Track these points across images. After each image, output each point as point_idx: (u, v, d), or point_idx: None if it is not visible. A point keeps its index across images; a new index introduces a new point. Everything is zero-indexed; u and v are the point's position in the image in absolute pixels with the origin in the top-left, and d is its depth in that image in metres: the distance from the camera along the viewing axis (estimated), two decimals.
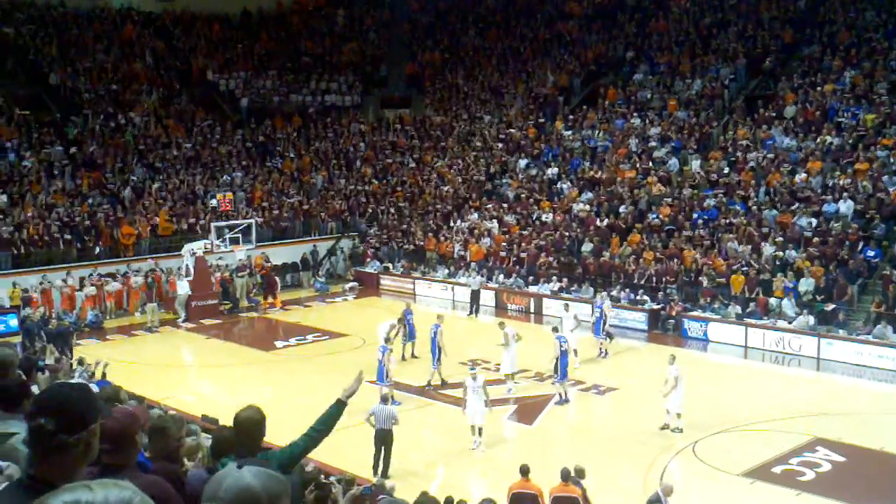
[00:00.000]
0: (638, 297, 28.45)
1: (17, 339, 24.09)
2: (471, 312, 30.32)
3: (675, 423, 18.27)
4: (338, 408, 5.76)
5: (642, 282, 29.02)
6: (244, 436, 5.09)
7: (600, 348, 24.75)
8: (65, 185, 33.83)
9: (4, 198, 31.94)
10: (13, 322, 27.38)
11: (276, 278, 33.18)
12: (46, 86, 38.77)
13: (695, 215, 30.45)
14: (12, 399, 4.29)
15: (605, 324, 24.84)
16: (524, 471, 13.31)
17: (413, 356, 24.49)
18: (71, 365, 19.49)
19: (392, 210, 38.90)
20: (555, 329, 21.38)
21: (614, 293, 28.29)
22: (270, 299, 32.36)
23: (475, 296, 30.75)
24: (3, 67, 38.66)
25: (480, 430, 17.32)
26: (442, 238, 35.76)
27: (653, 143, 34.96)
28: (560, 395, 20.57)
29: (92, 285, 30.39)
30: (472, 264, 33.05)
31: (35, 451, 2.79)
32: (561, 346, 20.40)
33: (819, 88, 33.05)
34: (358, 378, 5.88)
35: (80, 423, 2.74)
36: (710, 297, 27.05)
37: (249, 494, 2.09)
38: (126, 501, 1.45)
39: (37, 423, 2.73)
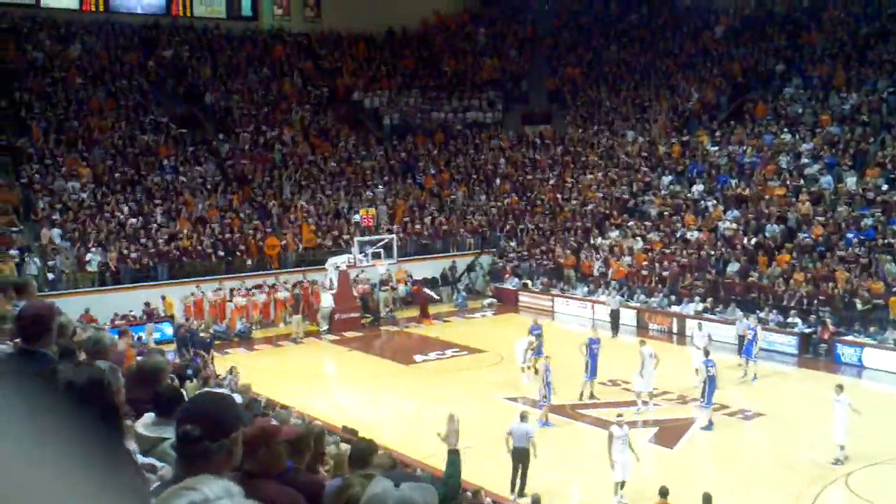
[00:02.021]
0: (788, 320, 27.31)
1: (171, 348, 25.10)
2: (613, 334, 29.40)
3: (837, 454, 17.38)
4: (453, 461, 5.68)
5: (792, 303, 27.85)
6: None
7: (747, 371, 23.87)
8: (217, 201, 35.26)
9: (162, 211, 33.54)
10: (168, 331, 28.68)
11: (427, 295, 33.67)
12: (202, 105, 40.63)
13: (849, 235, 29.02)
14: (166, 405, 4.46)
15: (757, 346, 23.99)
16: (663, 492, 12.92)
17: (535, 370, 24.38)
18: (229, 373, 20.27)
19: (532, 227, 38.77)
20: (706, 352, 20.72)
21: (762, 315, 27.27)
22: (422, 317, 32.80)
23: (615, 315, 30.19)
24: (163, 88, 40.76)
25: (624, 483, 15.73)
26: (582, 256, 35.36)
27: (804, 160, 33.56)
28: (709, 421, 19.92)
29: (241, 297, 31.54)
30: (613, 283, 32.55)
31: (181, 455, 2.86)
32: (708, 370, 19.79)
33: None
34: (451, 423, 5.78)
35: (222, 431, 2.80)
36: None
37: None
38: (226, 491, 1.53)
39: (183, 429, 2.80)
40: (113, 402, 2.69)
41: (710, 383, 19.74)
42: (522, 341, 24.37)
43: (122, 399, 3.94)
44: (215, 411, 2.91)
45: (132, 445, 4.22)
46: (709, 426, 19.79)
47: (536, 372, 23.10)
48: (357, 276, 33.10)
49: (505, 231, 39.09)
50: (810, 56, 39.20)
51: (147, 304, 29.35)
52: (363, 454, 5.88)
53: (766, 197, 32.66)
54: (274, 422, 5.27)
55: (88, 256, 30.18)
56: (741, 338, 25.27)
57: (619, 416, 16.89)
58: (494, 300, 35.60)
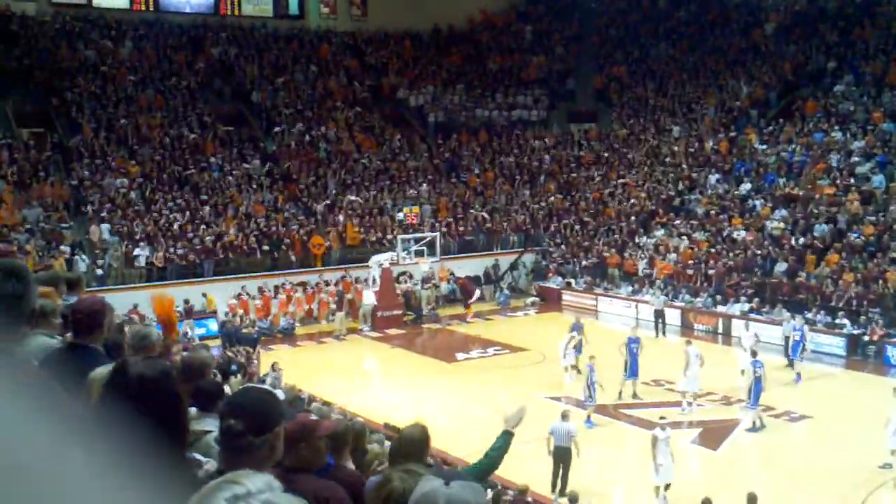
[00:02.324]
0: (836, 321, 26.89)
1: (215, 343, 25.40)
2: (657, 333, 29.10)
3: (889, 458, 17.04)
4: (506, 438, 5.69)
5: (841, 304, 27.42)
6: (402, 453, 5.00)
7: (798, 374, 23.60)
8: (262, 198, 35.59)
9: (208, 209, 33.90)
10: (213, 326, 29.02)
11: (475, 288, 33.84)
12: (248, 103, 41.02)
13: None
14: (208, 399, 4.52)
15: (803, 347, 23.70)
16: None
17: (576, 370, 24.43)
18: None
19: (576, 225, 38.58)
20: (753, 353, 20.49)
21: (810, 316, 26.89)
22: (466, 306, 32.90)
23: (659, 315, 29.90)
24: (210, 86, 41.21)
25: (668, 485, 15.66)
26: (627, 254, 35.13)
27: (855, 158, 33.00)
28: (754, 422, 19.70)
29: (284, 294, 31.78)
30: (657, 282, 32.32)
31: (224, 449, 2.90)
32: (756, 371, 19.57)
33: None
34: (520, 410, 5.80)
35: (265, 426, 2.83)
36: None
37: None
38: (268, 485, 1.57)
39: (227, 423, 2.84)
40: (181, 395, 2.74)
41: (757, 384, 19.51)
42: (564, 338, 24.35)
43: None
44: (259, 406, 2.94)
45: None
46: (754, 428, 19.58)
47: (579, 371, 23.09)
48: (400, 273, 33.28)
49: (549, 229, 38.94)
50: (863, 52, 38.55)
51: (186, 301, 29.50)
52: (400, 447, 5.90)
53: (816, 196, 32.19)
54: (314, 417, 5.32)
55: (136, 252, 30.64)
56: (787, 339, 24.95)
57: (662, 418, 16.70)
58: (537, 299, 35.48)
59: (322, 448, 4.23)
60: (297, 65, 43.92)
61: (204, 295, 30.38)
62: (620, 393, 21.77)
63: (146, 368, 2.65)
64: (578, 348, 24.20)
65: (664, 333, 29.36)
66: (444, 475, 2.28)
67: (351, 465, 5.68)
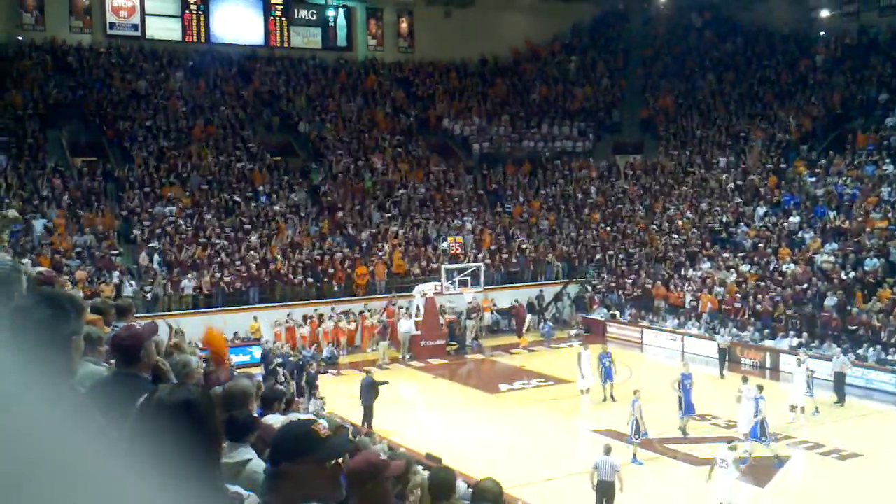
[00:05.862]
0: (888, 357, 26.31)
1: (258, 370, 25.50)
2: (721, 372, 27.94)
3: None
4: None
5: (892, 340, 26.83)
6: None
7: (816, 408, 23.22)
8: (308, 227, 35.86)
9: (255, 237, 34.22)
10: (257, 354, 29.19)
11: (527, 316, 33.81)
12: (296, 133, 41.51)
13: None
14: (240, 431, 4.56)
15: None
16: None
17: (611, 398, 24.51)
18: (313, 395, 20.59)
19: (621, 257, 38.32)
20: (809, 385, 20.15)
21: (861, 352, 26.37)
22: (518, 338, 32.96)
23: (723, 354, 28.58)
24: (259, 116, 41.80)
25: None
26: (672, 287, 34.77)
27: None
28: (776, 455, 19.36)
29: (329, 322, 31.89)
30: (704, 315, 31.93)
31: (269, 478, 2.94)
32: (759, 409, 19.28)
33: None
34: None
35: (279, 457, 2.81)
36: None
37: None
38: None
39: (270, 454, 2.88)
40: (208, 425, 2.74)
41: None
42: (585, 360, 24.53)
43: (219, 423, 4.02)
44: (297, 437, 2.95)
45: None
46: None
47: (614, 398, 23.80)
48: (444, 303, 33.30)
49: (594, 261, 38.71)
50: None
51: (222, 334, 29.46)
52: (444, 484, 5.89)
53: (867, 229, 31.67)
54: (383, 456, 5.29)
55: (183, 283, 30.99)
56: (837, 374, 24.50)
57: (730, 442, 16.66)
58: (581, 330, 35.19)
59: (389, 489, 4.12)
60: (345, 95, 44.38)
61: (255, 318, 30.62)
62: (682, 430, 21.40)
63: (169, 396, 2.65)
64: (609, 374, 24.48)
65: (722, 373, 28.09)
66: None
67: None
